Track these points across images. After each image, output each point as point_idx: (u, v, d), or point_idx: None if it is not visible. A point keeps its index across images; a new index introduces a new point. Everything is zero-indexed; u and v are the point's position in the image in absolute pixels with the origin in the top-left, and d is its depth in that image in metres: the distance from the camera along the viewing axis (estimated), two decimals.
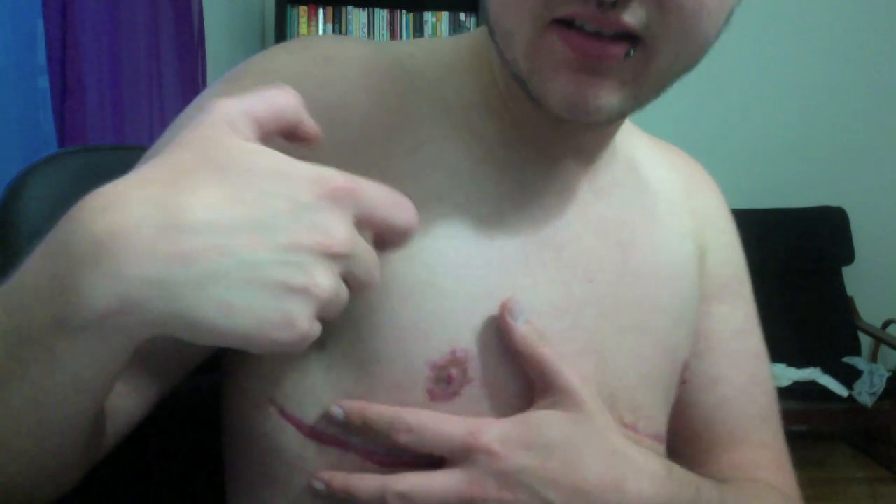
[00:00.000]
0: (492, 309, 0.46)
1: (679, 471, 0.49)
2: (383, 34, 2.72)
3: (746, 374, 0.60)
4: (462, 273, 0.45)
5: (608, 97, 0.42)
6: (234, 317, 0.32)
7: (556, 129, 0.49)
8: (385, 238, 0.37)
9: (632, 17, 0.39)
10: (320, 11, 2.75)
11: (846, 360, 2.65)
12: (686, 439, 0.59)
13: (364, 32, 2.71)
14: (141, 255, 0.30)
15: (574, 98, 0.42)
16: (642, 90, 0.43)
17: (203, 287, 0.31)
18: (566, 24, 0.40)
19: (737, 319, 0.61)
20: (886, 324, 2.87)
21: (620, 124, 0.53)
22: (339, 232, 0.33)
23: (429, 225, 0.45)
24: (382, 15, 2.72)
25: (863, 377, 2.49)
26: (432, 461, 0.45)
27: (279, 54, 0.48)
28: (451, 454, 0.44)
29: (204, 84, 2.16)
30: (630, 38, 0.40)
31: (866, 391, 2.45)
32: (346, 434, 0.45)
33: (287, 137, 0.38)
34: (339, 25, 2.77)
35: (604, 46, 0.40)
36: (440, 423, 0.44)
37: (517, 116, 0.50)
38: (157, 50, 1.95)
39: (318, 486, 0.45)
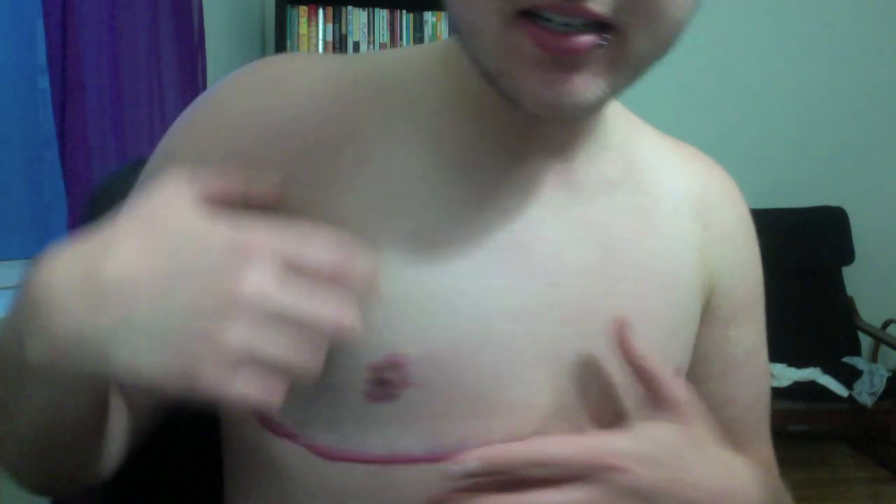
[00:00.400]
0: (434, 314, 0.46)
1: (761, 473, 0.52)
2: (383, 34, 2.72)
3: (753, 394, 0.61)
4: (403, 279, 0.45)
5: (583, 91, 0.41)
6: (141, 365, 0.34)
7: (526, 125, 0.48)
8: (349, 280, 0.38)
9: (600, 6, 0.38)
10: (320, 11, 2.75)
11: (846, 360, 2.64)
12: None
13: (364, 32, 2.71)
14: (62, 313, 0.34)
15: (548, 96, 0.41)
16: (617, 79, 0.42)
17: (113, 338, 0.34)
18: (533, 16, 0.39)
19: (749, 341, 0.60)
20: (886, 324, 2.87)
21: (596, 116, 0.51)
22: (248, 287, 0.35)
23: (375, 233, 0.46)
24: (382, 15, 2.72)
25: (863, 377, 2.49)
26: (387, 458, 0.46)
27: (229, 90, 0.50)
28: (577, 473, 0.45)
29: (204, 84, 2.16)
30: (600, 26, 0.40)
31: (866, 391, 2.45)
32: (294, 426, 0.47)
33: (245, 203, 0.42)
34: (339, 25, 2.76)
35: (573, 39, 0.39)
36: (563, 448, 0.46)
37: (487, 116, 0.49)
38: (157, 50, 1.95)
39: None
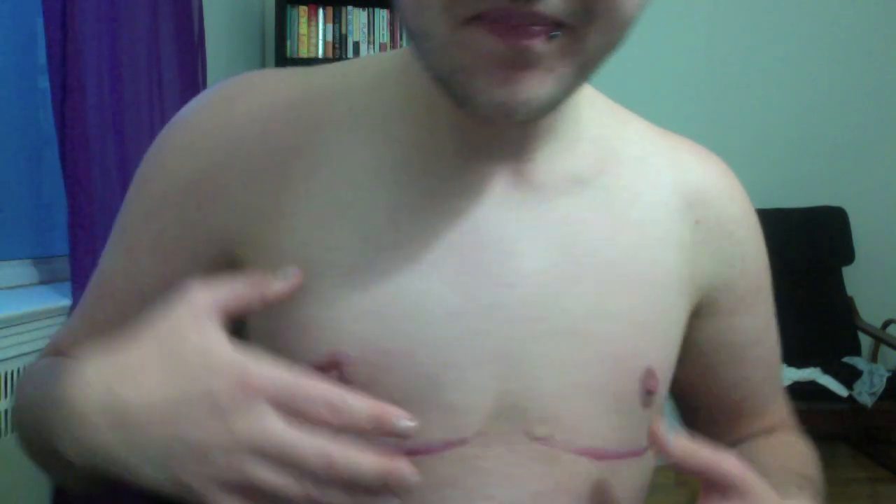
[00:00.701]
0: (373, 315, 0.47)
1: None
2: (383, 34, 2.72)
3: (763, 371, 0.63)
4: (346, 281, 0.47)
5: (536, 90, 0.41)
6: (148, 478, 0.40)
7: (480, 127, 0.48)
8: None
9: (551, 9, 0.38)
10: (320, 11, 2.75)
11: (846, 360, 2.65)
12: (717, 413, 0.64)
13: (364, 32, 2.71)
14: (89, 427, 0.41)
15: (502, 95, 0.41)
16: (570, 77, 0.42)
17: (128, 453, 0.40)
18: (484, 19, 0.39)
19: (754, 328, 0.61)
20: (886, 324, 2.87)
21: (558, 114, 0.50)
22: (246, 429, 0.39)
23: (321, 239, 0.48)
24: (382, 15, 2.73)
25: (863, 377, 2.49)
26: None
27: (189, 113, 0.52)
28: None
29: (204, 84, 2.16)
30: (552, 25, 0.40)
31: (866, 391, 2.45)
32: None
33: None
34: (339, 25, 2.77)
35: (529, 29, 0.39)
36: None
37: (440, 119, 0.49)
38: (157, 50, 1.95)
39: None
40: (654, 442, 0.46)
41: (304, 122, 0.50)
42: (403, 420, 0.40)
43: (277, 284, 0.45)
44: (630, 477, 0.53)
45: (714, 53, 2.95)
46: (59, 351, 0.57)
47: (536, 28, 0.39)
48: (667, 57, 2.95)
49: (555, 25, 0.39)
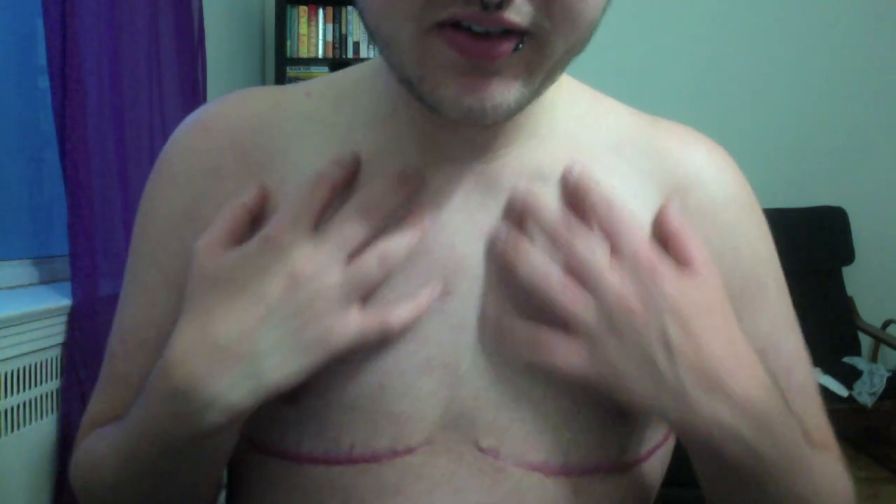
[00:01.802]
0: None
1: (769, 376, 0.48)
2: None
3: (786, 379, 0.51)
4: None
5: (503, 95, 0.41)
6: (291, 367, 0.44)
7: (444, 130, 0.49)
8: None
9: (518, 15, 0.39)
10: (320, 11, 2.75)
11: (846, 360, 2.65)
12: None
13: (364, 32, 2.71)
14: (207, 384, 0.44)
15: (469, 102, 0.41)
16: (536, 81, 0.43)
17: (260, 366, 0.44)
18: (451, 25, 0.40)
19: (765, 333, 0.52)
20: (886, 324, 2.88)
21: (527, 112, 0.48)
22: (300, 263, 0.45)
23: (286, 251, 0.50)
24: None
25: (863, 377, 2.49)
26: (295, 455, 0.48)
27: (173, 141, 0.55)
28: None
29: (204, 84, 2.16)
30: (518, 32, 0.40)
31: (866, 391, 2.45)
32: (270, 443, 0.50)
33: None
34: (339, 25, 2.76)
35: (492, 45, 0.39)
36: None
37: (404, 123, 0.50)
38: (157, 50, 1.95)
39: None
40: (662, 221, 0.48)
41: (275, 143, 0.52)
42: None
43: (245, 199, 0.48)
44: (604, 494, 0.50)
45: (714, 53, 2.95)
46: (98, 426, 0.55)
47: (501, 45, 0.39)
48: (667, 57, 2.95)
49: (519, 37, 0.40)
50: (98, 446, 0.52)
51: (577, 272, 0.46)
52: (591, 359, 0.45)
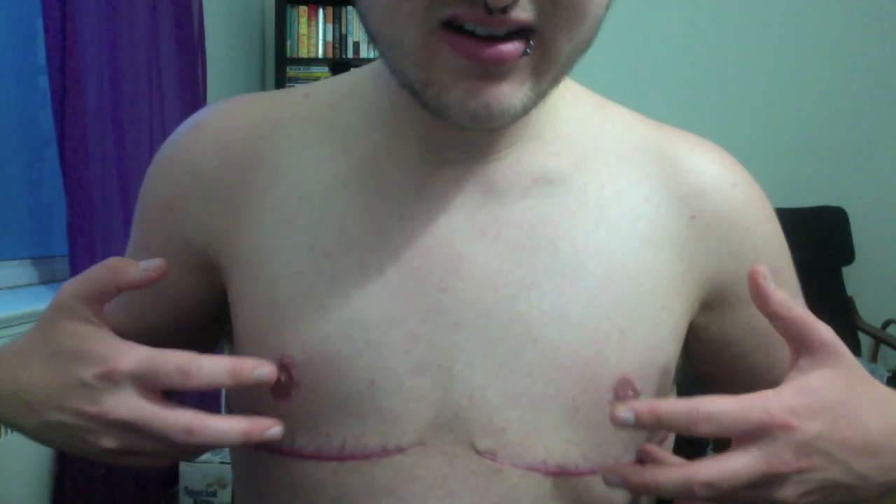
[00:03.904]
0: (315, 320, 0.48)
1: None
2: None
3: None
4: (295, 287, 0.49)
5: (510, 99, 0.41)
6: (49, 442, 0.48)
7: (444, 132, 0.48)
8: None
9: (523, 13, 0.38)
10: (320, 11, 2.75)
11: None
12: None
13: (364, 32, 2.71)
14: (6, 406, 0.48)
15: (475, 106, 0.41)
16: (542, 83, 0.42)
17: (29, 422, 0.47)
18: (455, 27, 0.39)
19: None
20: (886, 324, 2.87)
21: (526, 116, 0.48)
22: (108, 405, 0.44)
23: (274, 249, 0.50)
24: None
25: None
26: (289, 451, 0.49)
27: (169, 143, 0.56)
28: (746, 434, 0.43)
29: (204, 84, 2.16)
30: (522, 32, 0.40)
31: None
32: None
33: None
34: (339, 25, 2.76)
35: (498, 50, 0.39)
36: (733, 407, 0.43)
37: (405, 125, 0.50)
38: (157, 50, 1.95)
39: (614, 479, 0.45)
40: (754, 287, 0.45)
41: (267, 144, 0.52)
42: (260, 369, 0.44)
43: (134, 272, 0.47)
44: (603, 494, 0.49)
45: (714, 53, 2.95)
46: None
47: (508, 48, 0.39)
48: (667, 57, 2.95)
49: (525, 38, 0.40)
50: None
51: None
52: None
